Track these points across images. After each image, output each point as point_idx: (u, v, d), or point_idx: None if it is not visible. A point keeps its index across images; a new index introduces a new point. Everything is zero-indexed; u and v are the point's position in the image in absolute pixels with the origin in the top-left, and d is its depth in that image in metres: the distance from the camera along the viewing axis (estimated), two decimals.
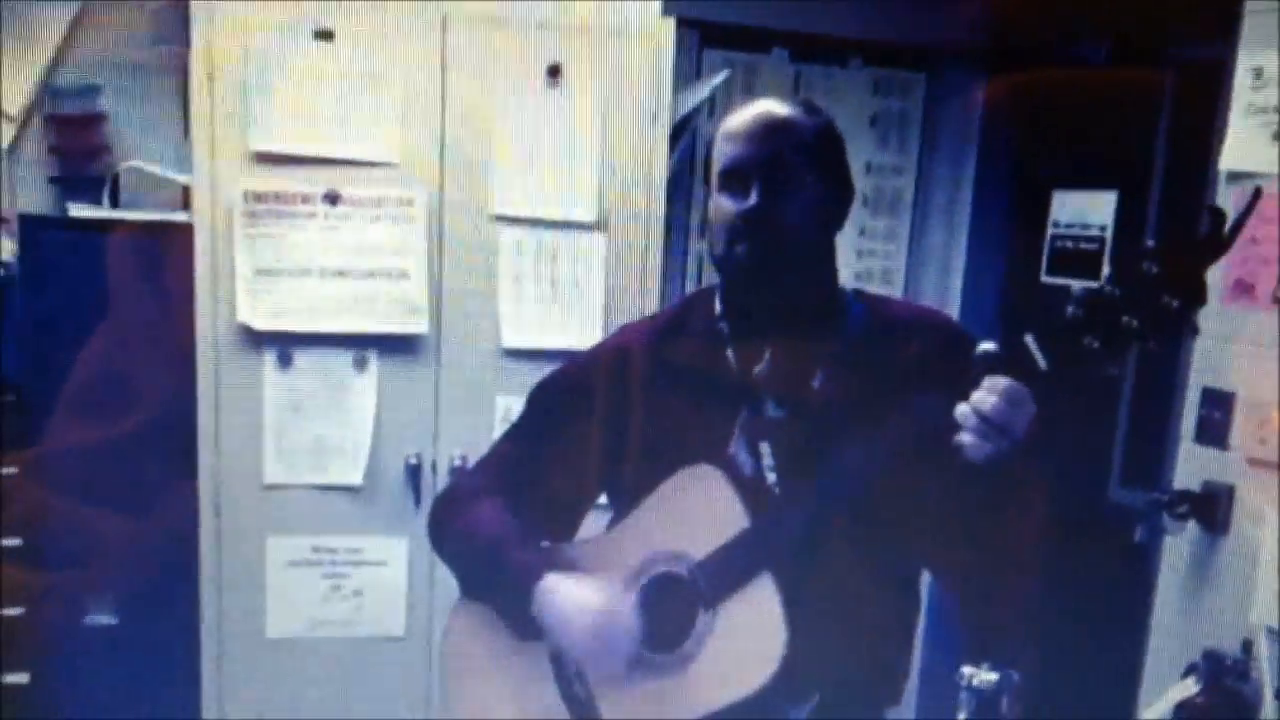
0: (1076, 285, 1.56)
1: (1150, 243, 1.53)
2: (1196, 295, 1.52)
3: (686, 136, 3.34)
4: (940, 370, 1.71)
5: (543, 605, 1.84)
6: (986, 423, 1.58)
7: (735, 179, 1.81)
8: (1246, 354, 2.54)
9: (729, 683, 1.75)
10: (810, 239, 1.84)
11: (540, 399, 2.07)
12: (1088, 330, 1.53)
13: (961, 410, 1.60)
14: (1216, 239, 1.51)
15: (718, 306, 1.94)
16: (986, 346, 1.62)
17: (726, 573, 1.78)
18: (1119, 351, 1.54)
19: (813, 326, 1.88)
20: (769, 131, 1.81)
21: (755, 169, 1.79)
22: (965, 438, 1.59)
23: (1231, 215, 1.52)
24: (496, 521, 1.96)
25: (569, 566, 1.90)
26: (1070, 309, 1.54)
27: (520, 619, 1.88)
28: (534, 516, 1.97)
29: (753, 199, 1.78)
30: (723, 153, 1.83)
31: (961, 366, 1.63)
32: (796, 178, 1.80)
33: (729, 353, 1.90)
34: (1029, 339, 1.59)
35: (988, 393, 1.58)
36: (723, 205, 1.82)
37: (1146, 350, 1.52)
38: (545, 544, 1.98)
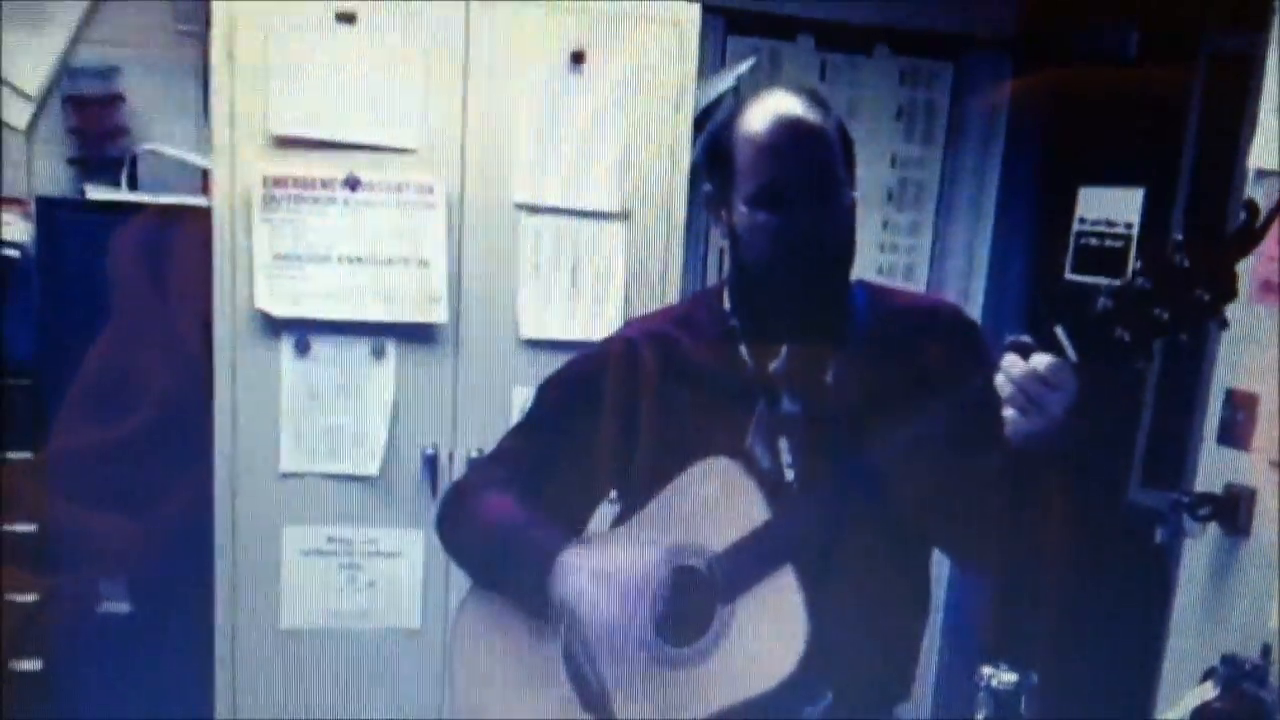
0: (1105, 282, 1.57)
1: (1180, 236, 1.52)
2: (1227, 288, 1.52)
3: (711, 125, 3.30)
4: (952, 356, 1.74)
5: (563, 578, 1.82)
6: (1026, 395, 1.58)
7: (773, 198, 1.78)
8: (1271, 355, 2.53)
9: (747, 678, 1.75)
10: (848, 250, 1.85)
11: (548, 394, 2.06)
12: (1118, 322, 1.53)
13: (999, 381, 1.60)
14: (1248, 232, 1.50)
15: (726, 303, 1.93)
16: (1018, 338, 1.62)
17: (746, 566, 1.78)
18: (1149, 344, 1.54)
19: (823, 320, 1.87)
20: (803, 148, 1.78)
21: (797, 190, 1.77)
22: (1006, 413, 1.60)
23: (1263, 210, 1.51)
24: (509, 510, 1.95)
25: None
26: (1101, 301, 1.54)
27: (537, 596, 1.86)
28: (542, 512, 1.95)
29: (799, 225, 1.76)
30: (753, 164, 1.79)
31: (973, 351, 1.66)
32: (832, 192, 1.79)
33: (743, 349, 1.88)
34: (1059, 330, 1.58)
35: (1029, 364, 1.58)
36: (760, 221, 1.79)
37: (1176, 344, 1.52)
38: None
